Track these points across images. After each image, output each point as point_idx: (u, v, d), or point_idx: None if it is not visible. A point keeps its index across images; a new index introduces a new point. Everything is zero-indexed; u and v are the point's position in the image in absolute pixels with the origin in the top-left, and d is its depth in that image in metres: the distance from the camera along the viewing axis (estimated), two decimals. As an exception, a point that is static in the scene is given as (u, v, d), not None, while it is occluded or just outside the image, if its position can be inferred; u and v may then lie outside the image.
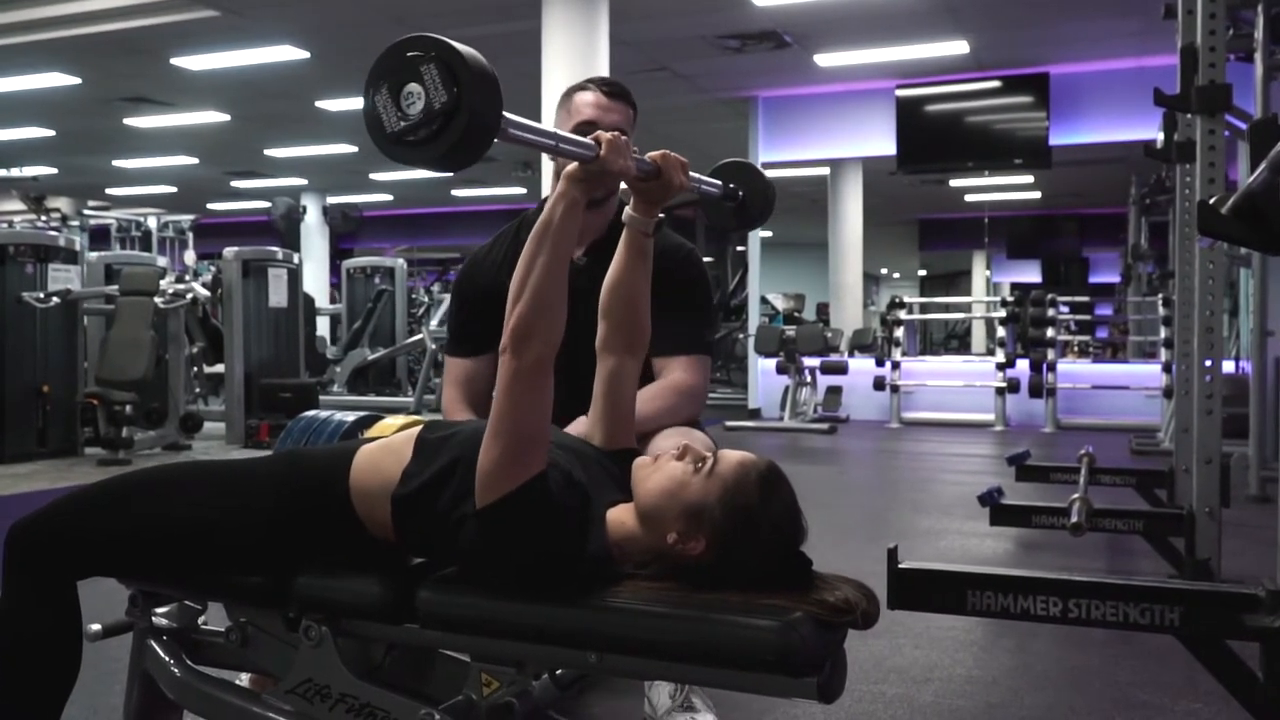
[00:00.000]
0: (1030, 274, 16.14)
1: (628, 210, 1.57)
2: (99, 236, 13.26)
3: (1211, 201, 1.66)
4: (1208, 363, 3.05)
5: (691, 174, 1.64)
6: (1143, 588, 1.63)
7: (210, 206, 16.88)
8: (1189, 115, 3.47)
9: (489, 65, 1.16)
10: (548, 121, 6.30)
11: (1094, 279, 16.16)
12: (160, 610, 1.65)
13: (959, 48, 8.02)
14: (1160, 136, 6.07)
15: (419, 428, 1.53)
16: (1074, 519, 2.87)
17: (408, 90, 1.15)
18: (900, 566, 1.74)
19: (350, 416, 2.60)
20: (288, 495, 1.48)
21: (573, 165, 1.39)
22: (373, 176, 14.26)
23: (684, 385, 1.92)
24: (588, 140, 1.38)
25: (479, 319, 2.00)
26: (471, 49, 1.16)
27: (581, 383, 1.62)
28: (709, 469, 1.35)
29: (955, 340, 17.80)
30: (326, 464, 1.50)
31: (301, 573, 1.47)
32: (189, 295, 6.70)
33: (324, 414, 2.64)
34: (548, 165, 2.12)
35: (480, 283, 2.05)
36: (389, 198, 16.00)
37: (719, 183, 1.83)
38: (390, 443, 1.50)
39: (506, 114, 1.21)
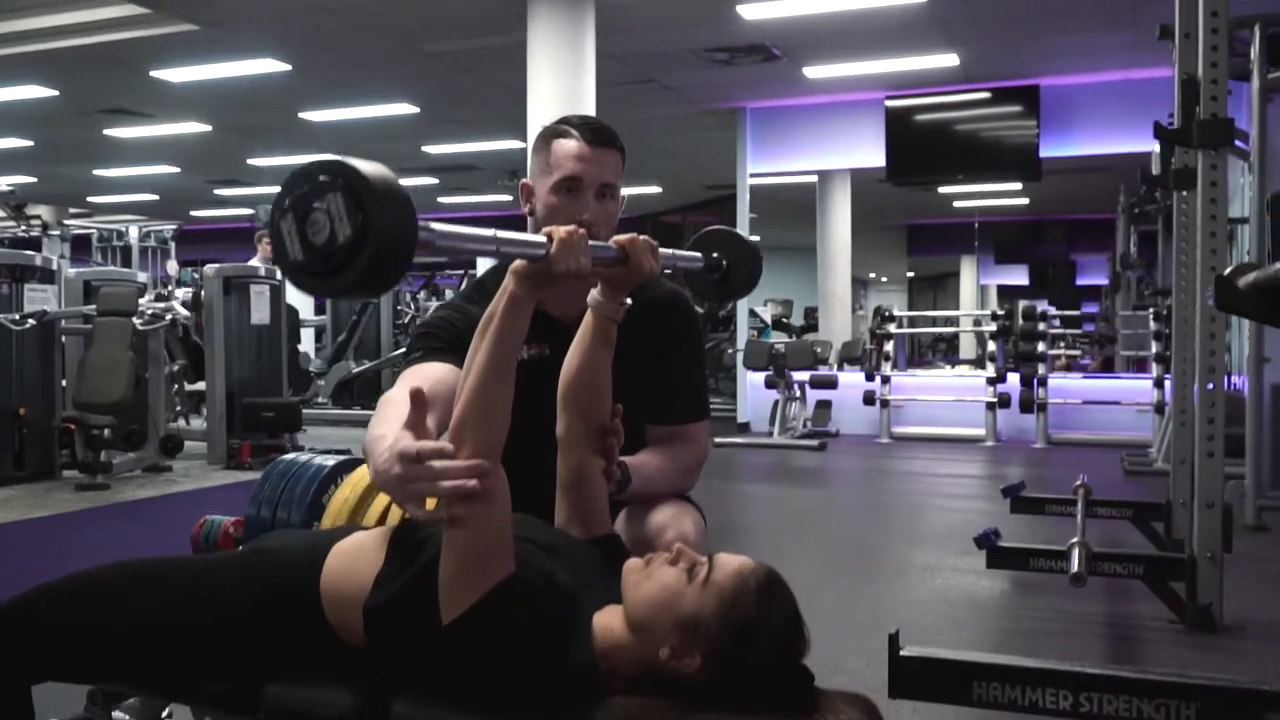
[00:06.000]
0: (1018, 277, 16.16)
1: (593, 294, 1.48)
2: (81, 244, 13.11)
3: (1227, 273, 1.58)
4: (1213, 404, 2.98)
5: (667, 251, 1.55)
6: (1159, 682, 1.55)
7: (194, 214, 16.72)
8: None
9: (400, 188, 1.07)
10: (535, 130, 6.11)
11: (1081, 281, 16.18)
12: (120, 705, 1.56)
13: (949, 60, 7.96)
14: (1155, 151, 6.03)
15: (394, 525, 1.44)
16: (1074, 569, 2.80)
17: (313, 218, 1.07)
18: (902, 654, 1.66)
19: (330, 460, 2.51)
20: (257, 598, 1.39)
21: (520, 262, 1.30)
22: (357, 184, 14.12)
23: (693, 454, 1.82)
24: (537, 238, 1.29)
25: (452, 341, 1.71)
26: (382, 171, 1.08)
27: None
28: (704, 577, 1.26)
29: (944, 344, 17.79)
30: (298, 564, 1.41)
31: (271, 679, 1.38)
32: (168, 316, 6.58)
33: (303, 457, 2.55)
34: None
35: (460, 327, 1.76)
36: (374, 205, 15.85)
37: (698, 255, 1.75)
38: (364, 543, 1.41)
39: (434, 225, 1.14)
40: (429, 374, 1.61)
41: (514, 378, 1.29)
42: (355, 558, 1.38)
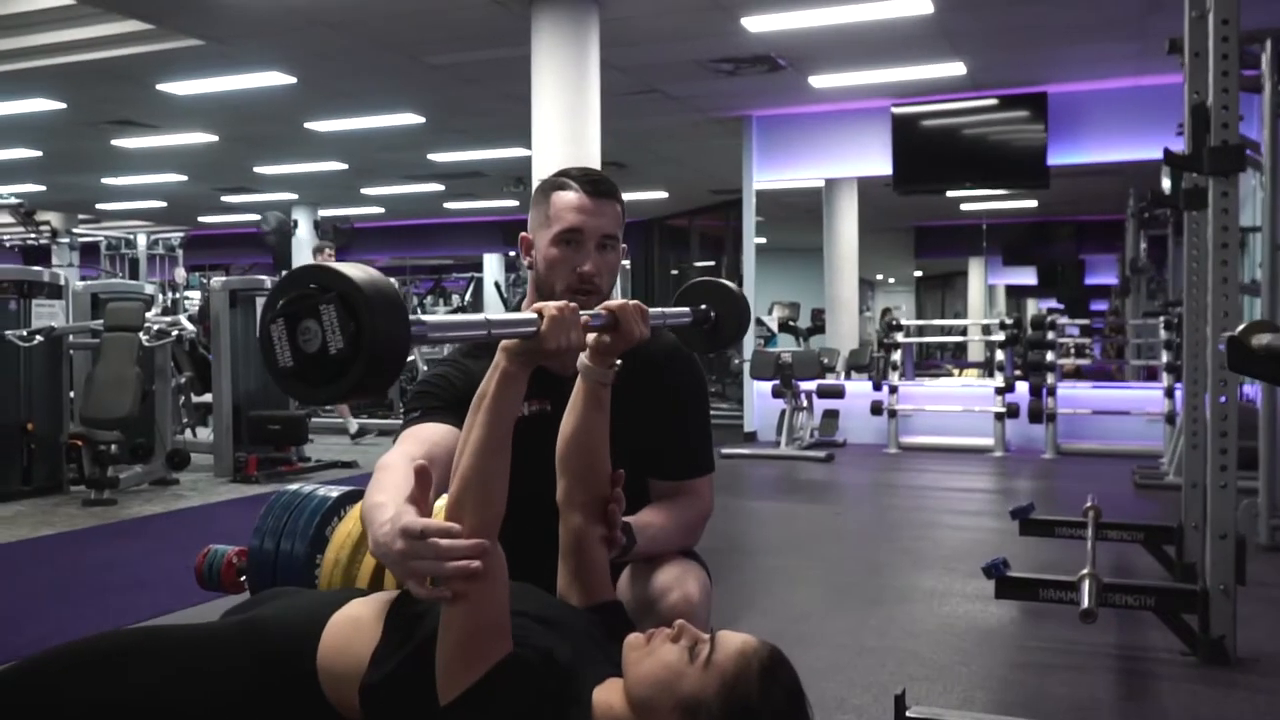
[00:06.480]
0: (1026, 277, 16.10)
1: (582, 359, 1.47)
2: (89, 251, 13.16)
3: (1239, 333, 1.55)
4: (1225, 434, 2.94)
5: (656, 310, 1.55)
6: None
7: (201, 219, 16.76)
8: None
9: (393, 293, 1.07)
10: (541, 139, 6.07)
11: (1090, 280, 16.10)
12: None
13: (955, 69, 7.91)
14: (1165, 159, 5.98)
15: (391, 596, 1.42)
16: (1085, 604, 2.76)
17: (305, 325, 1.06)
18: (909, 715, 1.64)
19: (334, 492, 2.50)
20: (253, 671, 1.37)
21: (510, 340, 1.30)
22: (364, 191, 14.15)
23: (697, 510, 1.80)
24: (528, 316, 1.28)
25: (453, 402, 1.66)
26: (373, 277, 1.06)
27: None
28: (706, 657, 1.25)
29: (952, 343, 17.74)
30: (295, 637, 1.40)
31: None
32: (175, 332, 6.58)
33: (306, 489, 2.55)
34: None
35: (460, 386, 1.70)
36: (380, 210, 15.89)
37: (687, 311, 1.74)
38: (360, 616, 1.39)
39: (426, 319, 1.14)
40: (427, 436, 1.60)
41: (510, 452, 1.29)
42: (352, 631, 1.37)
